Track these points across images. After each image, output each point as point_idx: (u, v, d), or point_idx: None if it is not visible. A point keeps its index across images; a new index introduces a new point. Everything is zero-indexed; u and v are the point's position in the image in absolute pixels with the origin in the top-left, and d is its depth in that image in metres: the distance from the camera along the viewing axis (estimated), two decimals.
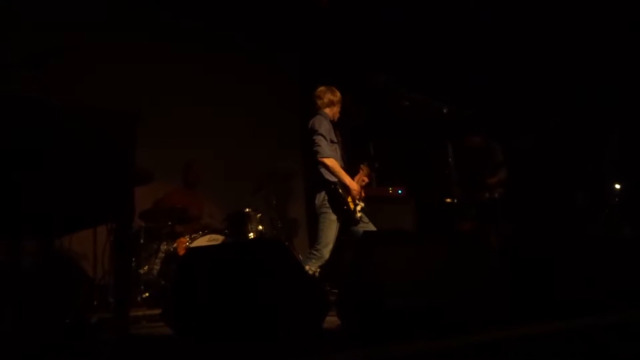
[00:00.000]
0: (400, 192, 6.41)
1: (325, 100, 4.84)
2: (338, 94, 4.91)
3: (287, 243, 5.60)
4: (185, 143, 6.59)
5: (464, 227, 5.61)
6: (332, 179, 4.60)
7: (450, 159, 4.65)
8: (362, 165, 5.02)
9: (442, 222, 5.86)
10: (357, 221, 4.65)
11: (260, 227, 5.98)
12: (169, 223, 5.84)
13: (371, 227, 4.73)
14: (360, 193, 4.73)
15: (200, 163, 6.56)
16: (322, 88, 4.91)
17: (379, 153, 6.79)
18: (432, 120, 4.85)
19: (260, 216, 6.05)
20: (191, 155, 6.55)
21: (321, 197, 4.61)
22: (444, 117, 4.60)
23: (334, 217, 4.57)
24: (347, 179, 4.64)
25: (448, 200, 5.40)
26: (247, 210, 5.99)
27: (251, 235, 5.83)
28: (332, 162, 4.62)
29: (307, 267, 4.41)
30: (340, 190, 4.56)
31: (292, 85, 7.93)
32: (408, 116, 5.45)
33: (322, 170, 4.63)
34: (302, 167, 7.68)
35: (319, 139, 4.63)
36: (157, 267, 5.62)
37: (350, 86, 5.31)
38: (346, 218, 4.63)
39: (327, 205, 4.58)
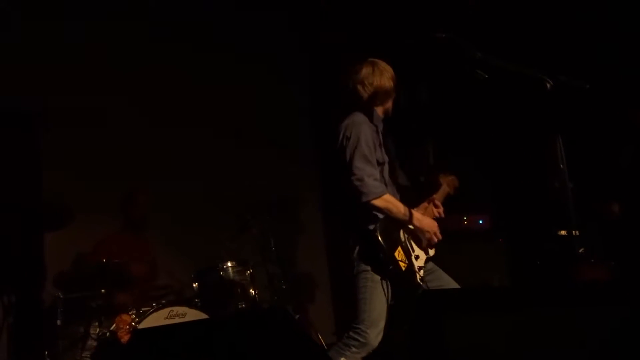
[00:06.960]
0: (481, 222, 5.55)
1: (377, 90, 3.66)
2: (390, 71, 3.73)
3: (297, 316, 5.19)
4: (126, 165, 5.49)
5: (594, 274, 4.63)
6: (372, 222, 3.60)
7: (561, 165, 3.40)
8: (440, 177, 4.12)
9: (554, 268, 4.93)
10: (417, 285, 3.73)
11: (253, 291, 4.99)
12: (102, 290, 4.82)
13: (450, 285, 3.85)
14: (436, 235, 3.78)
15: (150, 192, 5.39)
16: (365, 69, 3.69)
17: (443, 159, 5.83)
18: (528, 102, 3.99)
19: (251, 273, 5.02)
20: (134, 182, 5.42)
21: (356, 249, 3.70)
22: (547, 95, 3.41)
23: (377, 277, 3.65)
24: (415, 218, 3.70)
25: (562, 232, 4.72)
26: (230, 264, 4.98)
27: (240, 305, 4.94)
28: (388, 202, 3.61)
29: None
30: (380, 239, 3.57)
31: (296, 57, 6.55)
32: (487, 97, 5.07)
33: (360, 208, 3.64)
34: (319, 191, 6.53)
35: (359, 164, 3.57)
36: None
37: (391, 54, 4.13)
38: (395, 281, 3.69)
39: (363, 261, 3.68)
